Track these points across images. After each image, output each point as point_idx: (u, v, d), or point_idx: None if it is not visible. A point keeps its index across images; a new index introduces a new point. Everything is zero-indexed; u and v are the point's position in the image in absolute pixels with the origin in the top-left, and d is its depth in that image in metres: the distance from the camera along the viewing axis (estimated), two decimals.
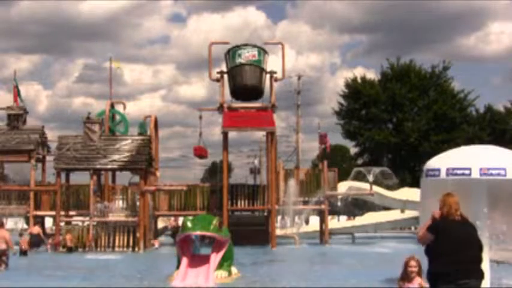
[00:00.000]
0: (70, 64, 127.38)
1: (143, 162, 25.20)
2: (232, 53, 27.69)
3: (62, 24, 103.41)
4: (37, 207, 27.86)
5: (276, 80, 28.07)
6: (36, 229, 25.75)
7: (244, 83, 27.53)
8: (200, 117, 29.67)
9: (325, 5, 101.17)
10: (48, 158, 29.26)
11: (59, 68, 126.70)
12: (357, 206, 37.38)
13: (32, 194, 27.58)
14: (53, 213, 26.10)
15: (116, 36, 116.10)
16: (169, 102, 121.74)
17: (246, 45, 27.99)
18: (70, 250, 23.81)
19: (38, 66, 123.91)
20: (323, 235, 28.83)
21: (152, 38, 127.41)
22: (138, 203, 25.28)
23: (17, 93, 29.06)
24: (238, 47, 27.81)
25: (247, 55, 27.46)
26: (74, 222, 26.49)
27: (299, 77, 59.46)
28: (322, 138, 37.24)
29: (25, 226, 30.20)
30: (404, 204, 31.57)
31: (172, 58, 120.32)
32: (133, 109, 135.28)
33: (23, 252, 21.91)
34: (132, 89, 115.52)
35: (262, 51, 27.89)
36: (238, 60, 27.44)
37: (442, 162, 11.42)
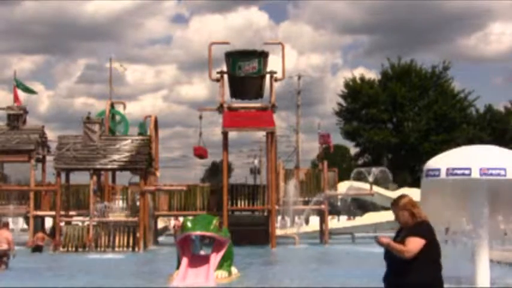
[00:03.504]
0: (72, 64, 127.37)
1: (143, 162, 25.20)
2: (232, 61, 27.58)
3: (65, 25, 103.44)
4: (37, 207, 27.86)
5: (276, 80, 28.09)
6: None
7: (245, 95, 28.39)
8: (200, 117, 29.72)
9: (327, 6, 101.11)
10: (48, 158, 29.26)
11: (61, 68, 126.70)
12: (358, 206, 37.40)
13: (32, 194, 27.57)
14: (53, 213, 26.10)
15: (118, 37, 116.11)
16: (171, 103, 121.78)
17: (246, 53, 27.78)
18: (38, 249, 23.97)
19: (41, 67, 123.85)
20: (323, 235, 28.82)
21: (154, 39, 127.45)
22: (138, 203, 25.28)
23: (17, 94, 29.05)
24: (238, 56, 27.61)
25: (247, 68, 27.45)
26: (74, 222, 26.52)
27: (299, 77, 59.55)
28: (325, 139, 37.17)
29: (25, 226, 30.25)
30: None
31: (174, 58, 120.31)
32: (135, 109, 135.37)
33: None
34: (134, 89, 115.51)
35: (262, 58, 27.72)
36: (238, 72, 27.49)
37: (442, 162, 11.42)
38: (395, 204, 6.14)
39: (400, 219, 6.05)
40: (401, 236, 5.97)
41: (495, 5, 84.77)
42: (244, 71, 27.44)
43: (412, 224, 5.94)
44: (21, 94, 29.60)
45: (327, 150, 43.69)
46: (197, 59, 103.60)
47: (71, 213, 26.86)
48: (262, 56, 27.81)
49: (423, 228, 5.89)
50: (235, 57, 27.57)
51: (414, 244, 5.74)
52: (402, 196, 6.22)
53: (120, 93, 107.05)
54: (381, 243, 5.87)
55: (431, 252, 5.80)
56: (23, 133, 28.04)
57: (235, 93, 28.42)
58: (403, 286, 5.74)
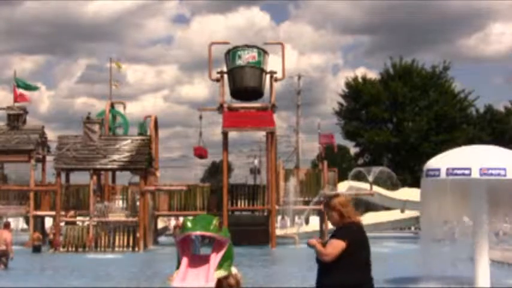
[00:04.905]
0: (73, 64, 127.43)
1: (143, 162, 25.20)
2: (232, 53, 27.67)
3: (66, 25, 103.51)
4: (37, 207, 27.86)
5: (276, 80, 28.09)
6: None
7: (245, 85, 27.56)
8: (200, 117, 29.72)
9: (328, 6, 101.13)
10: (48, 158, 29.26)
11: (62, 68, 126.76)
12: (357, 205, 37.28)
13: (32, 194, 27.56)
14: (53, 213, 26.10)
15: (119, 37, 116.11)
16: (172, 103, 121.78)
17: (245, 46, 27.94)
18: (37, 249, 24.08)
19: (41, 67, 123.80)
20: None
21: (155, 39, 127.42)
22: (138, 203, 25.27)
23: (16, 93, 29.04)
24: (237, 48, 27.77)
25: (247, 56, 27.43)
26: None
27: (299, 77, 59.57)
28: (329, 139, 37.03)
29: (25, 226, 30.25)
30: (404, 204, 31.55)
31: (175, 58, 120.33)
32: (135, 109, 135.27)
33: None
34: (135, 89, 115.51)
35: (262, 52, 27.87)
36: (238, 62, 27.42)
37: (442, 162, 11.42)
38: (326, 205, 6.09)
39: (331, 220, 6.00)
40: None
41: (496, 6, 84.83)
42: (244, 59, 27.38)
43: (341, 225, 5.90)
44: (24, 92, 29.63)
45: (331, 150, 43.56)
46: (198, 59, 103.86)
47: (71, 213, 26.87)
48: (262, 50, 27.86)
49: (345, 231, 5.83)
50: (235, 49, 27.60)
51: (332, 247, 5.73)
52: (334, 196, 6.19)
53: (121, 93, 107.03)
54: (309, 245, 5.88)
55: (355, 254, 5.76)
56: (23, 133, 28.04)
57: (235, 89, 27.88)
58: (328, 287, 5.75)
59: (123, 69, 35.69)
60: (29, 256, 22.03)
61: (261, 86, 27.91)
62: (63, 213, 25.81)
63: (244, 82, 27.53)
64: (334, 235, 5.84)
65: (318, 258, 5.87)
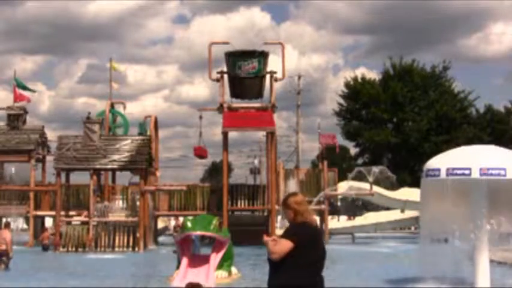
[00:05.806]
0: (73, 64, 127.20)
1: (143, 162, 25.20)
2: (232, 60, 27.54)
3: (67, 25, 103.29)
4: (37, 207, 27.85)
5: (276, 80, 28.08)
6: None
7: (244, 95, 28.19)
8: (200, 117, 29.72)
9: (328, 6, 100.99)
10: (48, 158, 29.25)
11: (63, 68, 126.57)
12: (357, 206, 37.28)
13: (32, 194, 27.55)
14: (53, 213, 26.10)
15: (120, 37, 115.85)
16: (172, 103, 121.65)
17: (245, 54, 27.76)
18: (46, 248, 24.28)
19: (42, 67, 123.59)
20: (323, 235, 28.76)
21: (156, 39, 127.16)
22: (138, 203, 25.27)
23: (17, 93, 29.04)
24: (237, 56, 27.60)
25: (247, 67, 27.41)
26: (74, 222, 26.51)
27: (299, 77, 59.55)
28: (331, 139, 37.03)
29: (25, 226, 30.23)
30: (404, 204, 31.55)
31: (176, 59, 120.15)
32: (136, 109, 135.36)
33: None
34: (135, 89, 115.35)
35: (262, 58, 27.72)
36: (238, 72, 27.46)
37: (442, 162, 11.43)
38: (283, 203, 6.02)
39: (286, 217, 5.94)
40: None
41: (496, 6, 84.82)
42: (244, 70, 27.41)
43: (294, 223, 5.85)
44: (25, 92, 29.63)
45: (332, 150, 43.52)
46: (198, 59, 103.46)
47: (71, 213, 26.88)
48: (262, 55, 27.80)
49: (295, 230, 5.76)
50: (235, 57, 27.58)
51: (280, 246, 5.65)
52: (291, 194, 6.10)
53: (121, 93, 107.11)
54: (264, 243, 5.83)
55: (303, 253, 5.65)
56: (23, 133, 28.04)
57: (235, 93, 28.35)
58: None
59: (122, 70, 35.60)
60: (30, 256, 22.01)
61: (261, 91, 28.24)
62: (63, 213, 25.80)
63: (243, 92, 28.12)
64: (284, 234, 5.77)
65: (268, 257, 5.80)
